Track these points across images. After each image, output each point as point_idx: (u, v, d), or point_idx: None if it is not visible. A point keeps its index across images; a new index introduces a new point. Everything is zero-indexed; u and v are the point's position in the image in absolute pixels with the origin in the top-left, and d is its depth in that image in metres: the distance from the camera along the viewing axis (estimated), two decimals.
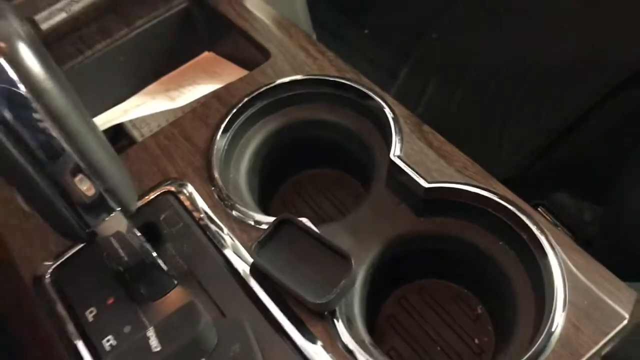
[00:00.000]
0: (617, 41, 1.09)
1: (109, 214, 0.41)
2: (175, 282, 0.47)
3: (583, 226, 0.92)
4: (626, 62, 1.04)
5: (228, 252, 0.48)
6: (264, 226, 0.49)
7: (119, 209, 0.41)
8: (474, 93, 1.18)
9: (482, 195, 0.48)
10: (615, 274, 0.45)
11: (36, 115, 0.35)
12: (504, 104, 1.13)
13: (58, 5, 0.59)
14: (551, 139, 1.04)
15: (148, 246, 0.45)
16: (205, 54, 0.71)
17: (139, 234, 0.44)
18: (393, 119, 0.54)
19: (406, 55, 1.29)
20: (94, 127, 0.40)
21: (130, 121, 0.70)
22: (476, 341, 0.53)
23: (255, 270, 0.46)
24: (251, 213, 0.50)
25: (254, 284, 0.46)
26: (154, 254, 0.46)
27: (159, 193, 0.52)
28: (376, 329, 0.55)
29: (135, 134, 0.69)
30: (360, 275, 0.49)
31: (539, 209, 0.91)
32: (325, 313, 0.44)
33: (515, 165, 1.04)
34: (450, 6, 1.30)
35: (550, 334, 0.42)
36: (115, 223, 0.42)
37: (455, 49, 1.27)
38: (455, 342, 0.53)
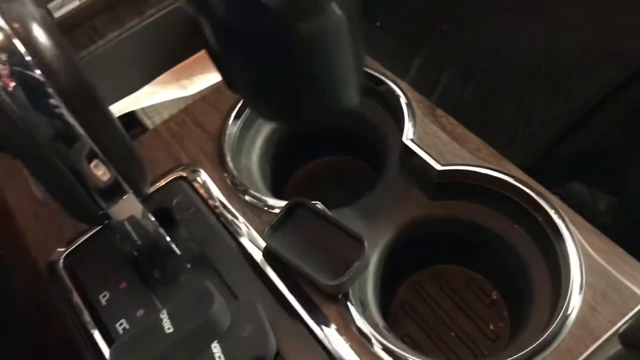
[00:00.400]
0: (631, 33, 1.08)
1: (122, 197, 0.41)
2: (189, 266, 0.47)
3: (598, 215, 0.91)
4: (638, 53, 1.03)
5: (241, 236, 0.48)
6: (277, 210, 0.49)
7: (132, 191, 0.41)
8: (487, 85, 1.17)
9: (496, 177, 0.47)
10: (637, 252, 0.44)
11: (52, 101, 0.35)
12: (517, 96, 1.12)
13: None
14: (565, 129, 1.03)
15: (161, 230, 0.45)
16: None
17: (152, 218, 0.44)
18: (406, 103, 0.53)
19: (418, 48, 1.28)
20: (108, 112, 0.40)
21: (143, 110, 0.70)
22: (491, 327, 0.53)
23: (268, 254, 0.46)
24: (264, 197, 0.50)
25: (267, 268, 0.46)
26: (167, 238, 0.46)
27: (171, 179, 0.52)
28: (390, 314, 0.55)
29: (148, 122, 0.69)
30: (373, 259, 0.49)
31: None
32: (339, 296, 0.44)
33: (529, 155, 1.03)
34: None
35: (566, 316, 0.41)
36: (128, 206, 0.42)
37: (467, 41, 1.26)
38: (470, 328, 0.53)
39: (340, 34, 0.31)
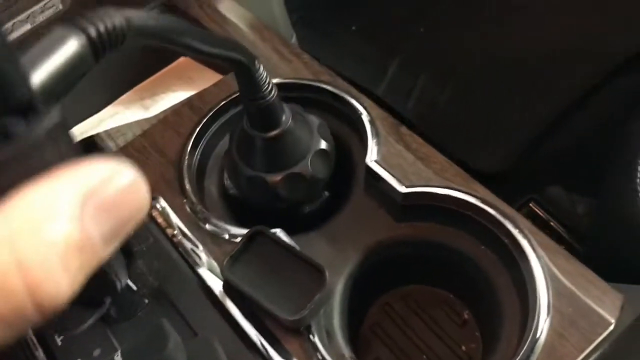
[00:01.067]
0: (609, 30, 1.07)
1: None
2: (146, 301, 0.46)
3: (577, 219, 0.90)
4: (619, 51, 1.03)
5: (201, 268, 0.46)
6: (239, 239, 0.47)
7: None
8: (464, 87, 1.16)
9: (461, 199, 0.46)
10: (605, 272, 0.44)
11: None
12: (494, 98, 1.11)
13: (21, 17, 0.57)
14: (542, 131, 1.02)
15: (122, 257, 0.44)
16: (181, 59, 0.69)
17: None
18: (369, 121, 0.52)
19: (395, 51, 1.27)
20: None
21: (106, 132, 0.68)
22: (463, 348, 0.52)
23: (228, 287, 0.45)
24: (225, 226, 0.48)
25: (227, 301, 0.44)
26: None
27: None
28: (360, 338, 0.53)
29: (111, 144, 0.67)
30: (339, 286, 0.47)
31: (530, 204, 0.90)
32: (302, 328, 0.43)
33: (507, 159, 1.02)
34: (438, 1, 1.28)
35: (534, 342, 0.40)
36: None
37: (444, 44, 1.25)
38: (441, 350, 0.52)
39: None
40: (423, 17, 1.29)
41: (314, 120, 0.50)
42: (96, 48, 0.25)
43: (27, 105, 0.22)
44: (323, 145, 0.49)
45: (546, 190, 0.95)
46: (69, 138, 0.23)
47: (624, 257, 0.56)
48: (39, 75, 0.23)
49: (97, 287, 0.43)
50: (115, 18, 0.26)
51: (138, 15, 0.28)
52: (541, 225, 0.92)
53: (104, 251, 0.21)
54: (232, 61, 0.40)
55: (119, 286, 0.42)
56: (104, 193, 0.21)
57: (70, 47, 0.24)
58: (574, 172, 0.96)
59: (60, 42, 0.24)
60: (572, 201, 0.93)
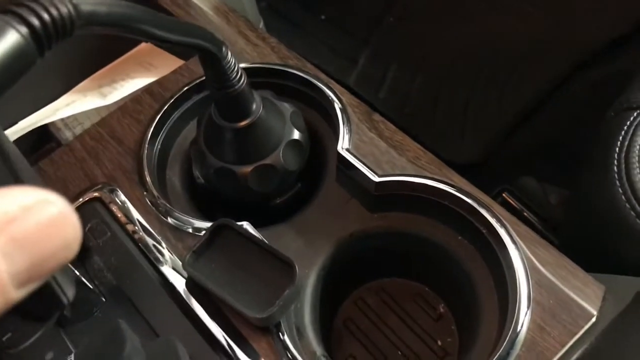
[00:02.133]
0: (581, 21, 1.07)
1: None
2: (103, 299, 0.42)
3: (550, 209, 0.90)
4: (589, 41, 1.02)
5: (162, 265, 0.44)
6: (203, 233, 0.45)
7: None
8: (436, 77, 1.15)
9: (436, 187, 0.44)
10: (583, 262, 0.42)
11: None
12: (466, 88, 1.10)
13: None
14: (515, 122, 1.01)
15: (69, 265, 0.40)
16: (142, 45, 0.66)
17: None
18: (340, 108, 0.49)
19: (365, 41, 1.25)
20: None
21: (62, 121, 0.64)
22: (439, 342, 0.50)
23: (191, 284, 0.42)
24: (189, 219, 0.46)
25: (190, 299, 0.42)
26: (77, 272, 0.41)
27: (84, 201, 0.47)
28: (333, 334, 0.51)
29: (68, 134, 0.64)
30: (311, 281, 0.45)
31: (503, 194, 0.89)
32: (271, 327, 0.40)
33: (480, 150, 1.01)
34: None
35: (514, 336, 0.38)
36: None
37: (414, 34, 1.24)
38: (417, 345, 0.50)
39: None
40: (393, 7, 1.28)
41: (287, 108, 0.47)
42: (40, 40, 0.22)
43: None
44: (296, 135, 0.46)
45: (519, 180, 0.94)
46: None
47: (601, 247, 0.55)
48: None
49: (38, 303, 0.40)
50: (61, 5, 0.23)
51: (87, 1, 0.25)
52: (515, 215, 0.91)
53: (15, 293, 0.17)
54: (198, 49, 0.37)
55: (64, 300, 0.39)
56: (22, 224, 0.17)
57: (9, 40, 0.21)
58: (546, 163, 0.95)
59: None
60: (544, 191, 0.92)
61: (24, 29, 0.21)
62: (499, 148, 1.01)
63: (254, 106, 0.43)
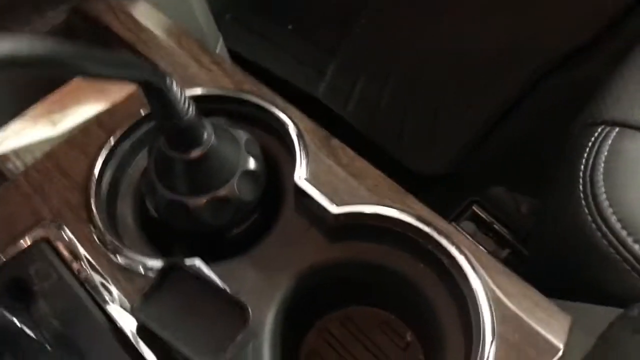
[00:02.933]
0: (546, 28, 1.07)
1: None
2: (49, 348, 0.40)
3: (520, 220, 0.89)
4: (554, 49, 1.02)
5: (111, 308, 0.41)
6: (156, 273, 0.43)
7: None
8: (404, 89, 1.14)
9: (395, 218, 0.42)
10: (551, 280, 0.41)
11: None
12: (434, 99, 1.09)
13: None
14: (484, 131, 1.01)
15: (8, 315, 0.38)
16: None
17: None
18: (297, 134, 0.48)
19: (333, 52, 1.24)
20: None
21: (13, 151, 0.62)
22: None
23: (141, 329, 0.40)
24: (139, 258, 0.43)
25: (141, 346, 0.39)
26: (17, 322, 0.39)
27: (29, 243, 0.44)
28: None
29: (18, 163, 0.61)
30: (269, 318, 0.43)
31: (473, 206, 0.88)
32: None
33: (450, 161, 1.00)
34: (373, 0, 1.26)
35: None
36: None
37: (382, 43, 1.23)
38: None
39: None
40: (359, 17, 1.26)
41: (241, 135, 0.45)
42: None
43: None
44: (251, 164, 0.44)
45: (489, 190, 0.93)
46: None
47: (569, 265, 0.54)
48: None
49: None
50: None
51: (4, 39, 0.23)
52: (485, 228, 0.91)
53: None
54: (138, 82, 0.35)
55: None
56: None
57: None
58: (515, 172, 0.95)
59: None
60: (515, 201, 0.92)
61: None
62: (468, 158, 1.00)
63: (205, 135, 0.41)
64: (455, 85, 1.08)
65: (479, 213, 0.87)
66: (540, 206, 0.79)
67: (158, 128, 0.42)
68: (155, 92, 0.36)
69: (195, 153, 0.41)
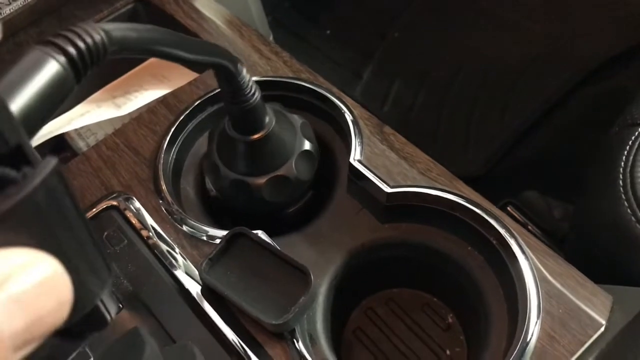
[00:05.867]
0: (579, 36, 1.09)
1: None
2: (120, 306, 0.43)
3: (554, 223, 0.91)
4: (588, 57, 1.04)
5: (178, 271, 0.44)
6: (218, 241, 0.45)
7: None
8: (439, 92, 1.16)
9: (447, 199, 0.45)
10: (590, 274, 0.43)
11: None
12: (468, 102, 1.11)
13: None
14: (517, 136, 1.02)
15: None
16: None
17: None
18: (352, 121, 0.50)
19: (369, 55, 1.27)
20: None
21: (76, 131, 0.65)
22: (448, 352, 0.51)
23: (207, 291, 0.43)
24: (204, 227, 0.46)
25: (206, 306, 0.42)
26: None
27: (100, 209, 0.48)
28: (343, 343, 0.52)
29: (81, 144, 0.65)
30: (323, 289, 0.46)
31: (508, 207, 0.90)
32: (285, 333, 0.41)
33: (483, 164, 1.02)
34: (411, 5, 1.28)
35: (524, 345, 0.39)
36: None
37: (418, 48, 1.25)
38: (425, 354, 0.51)
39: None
40: (397, 22, 1.29)
41: (297, 119, 0.48)
42: (77, 68, 0.23)
43: (17, 153, 0.19)
44: (307, 146, 0.47)
45: (523, 194, 0.95)
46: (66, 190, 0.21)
47: (608, 261, 0.55)
48: (18, 104, 0.21)
49: (83, 323, 0.41)
50: (94, 33, 0.24)
51: (116, 28, 0.26)
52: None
53: (12, 356, 0.17)
54: (215, 66, 0.38)
55: (108, 318, 0.40)
56: (18, 283, 0.17)
57: (50, 70, 0.22)
58: (549, 177, 0.96)
59: (38, 65, 0.22)
60: (548, 205, 0.93)
61: (62, 59, 0.23)
62: (501, 162, 1.02)
63: (267, 119, 0.45)
64: (489, 90, 1.10)
65: (514, 214, 0.88)
66: (574, 209, 0.80)
67: (224, 109, 0.45)
68: (227, 75, 0.39)
69: (258, 135, 0.44)
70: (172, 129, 0.51)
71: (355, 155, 0.48)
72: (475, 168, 1.01)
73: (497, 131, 1.05)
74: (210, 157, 0.47)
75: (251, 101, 0.42)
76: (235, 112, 0.43)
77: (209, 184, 0.51)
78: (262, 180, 0.46)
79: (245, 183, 0.46)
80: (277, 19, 1.31)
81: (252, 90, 0.42)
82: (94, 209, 0.48)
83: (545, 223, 0.87)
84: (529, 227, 0.85)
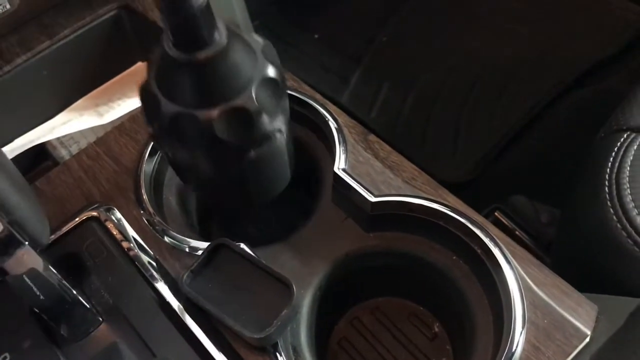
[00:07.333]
0: (567, 41, 1.09)
1: (17, 249, 0.36)
2: (100, 319, 0.42)
3: (541, 228, 0.90)
4: (576, 61, 1.04)
5: (159, 284, 0.44)
6: (200, 253, 0.45)
7: (28, 243, 0.36)
8: (427, 96, 1.16)
9: (432, 208, 0.44)
10: (575, 281, 0.43)
11: None
12: (457, 107, 1.11)
13: None
14: (505, 140, 1.02)
15: (66, 283, 0.40)
16: (138, 64, 0.66)
17: (55, 271, 0.40)
18: (336, 129, 0.50)
19: (357, 60, 1.27)
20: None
21: (58, 139, 0.65)
22: None
23: (188, 303, 0.42)
24: (185, 239, 0.46)
25: (187, 319, 0.42)
26: (74, 292, 0.41)
27: (81, 220, 0.47)
28: (329, 353, 0.51)
29: (64, 152, 0.64)
30: (307, 300, 0.45)
31: (496, 212, 0.89)
32: (267, 347, 0.40)
33: (471, 169, 1.02)
34: (399, 9, 1.28)
35: (510, 356, 0.39)
36: (26, 259, 0.37)
37: (406, 53, 1.25)
38: None
39: (281, 149, 0.40)
40: (385, 26, 1.29)
41: (257, 40, 0.38)
42: None
43: None
44: (270, 71, 0.36)
45: (510, 199, 0.95)
46: None
47: (593, 267, 0.55)
48: None
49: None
50: None
51: None
52: (507, 234, 0.92)
53: None
54: None
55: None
56: None
57: None
58: (537, 182, 0.96)
59: None
60: (535, 210, 0.93)
61: None
62: (489, 167, 1.02)
63: (216, 34, 0.34)
64: (477, 95, 1.10)
65: (502, 219, 0.88)
66: (561, 215, 0.80)
67: (162, 22, 0.33)
68: None
69: (205, 53, 0.33)
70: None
71: (340, 164, 0.48)
72: (464, 173, 1.01)
73: (486, 136, 1.05)
74: (147, 87, 0.36)
75: (195, 5, 0.31)
76: (174, 20, 0.32)
77: (150, 128, 0.39)
78: (213, 112, 0.35)
79: (191, 116, 0.35)
80: (264, 23, 1.30)
81: None
82: (75, 220, 0.47)
83: (532, 228, 0.87)
84: (517, 232, 0.85)
